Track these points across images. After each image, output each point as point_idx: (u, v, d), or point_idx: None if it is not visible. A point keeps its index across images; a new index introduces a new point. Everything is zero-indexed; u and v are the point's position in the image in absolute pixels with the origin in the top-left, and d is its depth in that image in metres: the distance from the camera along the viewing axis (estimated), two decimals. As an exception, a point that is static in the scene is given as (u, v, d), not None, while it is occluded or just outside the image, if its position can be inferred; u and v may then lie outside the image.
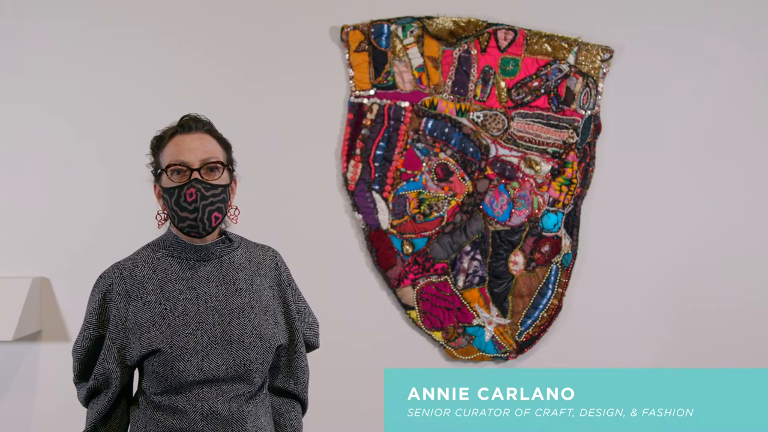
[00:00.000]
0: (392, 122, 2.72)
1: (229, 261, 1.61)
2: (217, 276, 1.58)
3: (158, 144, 1.59)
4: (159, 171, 1.58)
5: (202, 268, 1.58)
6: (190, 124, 1.58)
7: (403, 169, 2.73)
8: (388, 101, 2.72)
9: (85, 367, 1.60)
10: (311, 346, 1.77)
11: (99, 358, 1.56)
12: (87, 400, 1.62)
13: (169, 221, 1.60)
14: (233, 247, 1.64)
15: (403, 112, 2.72)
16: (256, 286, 1.62)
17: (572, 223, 2.78)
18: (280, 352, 1.68)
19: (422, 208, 2.74)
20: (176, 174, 1.54)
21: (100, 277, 1.59)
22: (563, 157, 2.77)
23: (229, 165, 1.61)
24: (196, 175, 1.53)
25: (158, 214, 1.61)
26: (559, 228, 2.77)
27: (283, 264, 1.71)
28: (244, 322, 1.56)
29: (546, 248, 2.77)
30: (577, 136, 2.76)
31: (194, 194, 1.51)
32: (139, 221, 2.19)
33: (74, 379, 1.64)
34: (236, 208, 1.64)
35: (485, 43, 2.73)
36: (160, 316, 1.52)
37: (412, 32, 2.71)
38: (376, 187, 2.72)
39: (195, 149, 1.54)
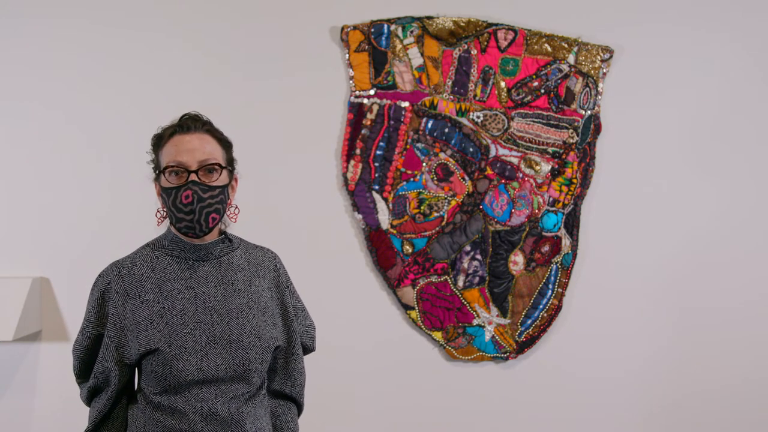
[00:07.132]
0: (392, 122, 2.72)
1: (228, 261, 1.61)
2: (215, 276, 1.58)
3: (158, 142, 1.58)
4: (158, 171, 1.57)
5: (200, 268, 1.58)
6: (189, 123, 1.56)
7: (403, 169, 2.73)
8: (388, 101, 2.71)
9: (85, 365, 1.61)
10: (308, 349, 1.76)
11: (98, 356, 1.57)
12: (89, 399, 1.63)
13: (168, 219, 1.60)
14: (232, 247, 1.63)
15: (403, 112, 2.72)
16: (254, 287, 1.61)
17: (572, 223, 2.78)
18: (277, 354, 1.67)
19: (422, 208, 2.74)
20: (174, 175, 1.53)
21: (99, 275, 1.59)
22: (563, 157, 2.77)
23: (228, 165, 1.59)
24: (193, 177, 1.51)
25: (158, 211, 1.60)
26: (559, 228, 2.77)
27: (281, 266, 1.71)
28: (243, 322, 1.56)
29: (546, 248, 2.77)
30: (577, 136, 2.76)
31: (191, 196, 1.50)
32: (139, 221, 2.20)
33: (76, 379, 1.65)
34: (236, 207, 1.63)
35: (485, 43, 2.73)
36: (158, 315, 1.52)
37: (412, 32, 2.71)
38: (376, 187, 2.72)
39: (193, 150, 1.53)
